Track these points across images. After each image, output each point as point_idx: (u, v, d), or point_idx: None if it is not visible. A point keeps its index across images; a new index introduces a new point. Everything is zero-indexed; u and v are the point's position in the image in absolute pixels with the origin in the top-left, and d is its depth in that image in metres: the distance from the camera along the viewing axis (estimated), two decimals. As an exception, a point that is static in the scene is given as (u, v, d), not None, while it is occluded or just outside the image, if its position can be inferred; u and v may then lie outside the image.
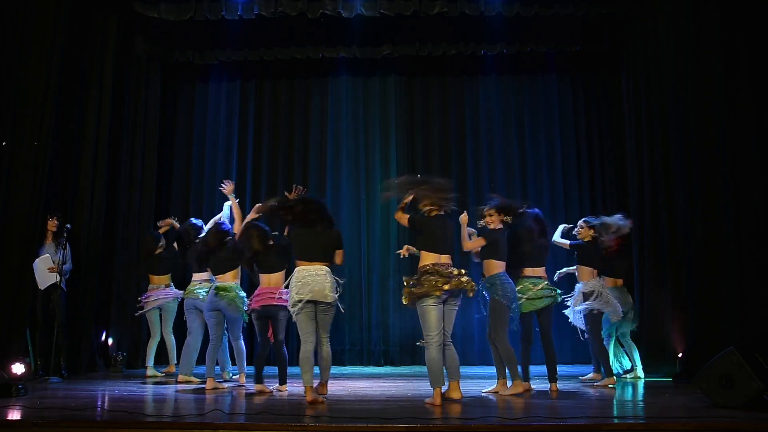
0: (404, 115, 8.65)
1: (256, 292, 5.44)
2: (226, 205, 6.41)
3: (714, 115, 5.91)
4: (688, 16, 6.23)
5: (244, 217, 5.86)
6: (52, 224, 6.60)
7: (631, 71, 7.58)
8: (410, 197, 4.86)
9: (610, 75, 8.45)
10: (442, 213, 4.83)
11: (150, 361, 6.79)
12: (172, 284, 6.97)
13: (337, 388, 5.66)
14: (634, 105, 7.45)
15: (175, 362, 6.81)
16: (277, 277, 5.43)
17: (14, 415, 4.03)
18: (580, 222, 6.12)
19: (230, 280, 5.71)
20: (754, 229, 5.61)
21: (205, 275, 6.14)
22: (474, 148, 8.59)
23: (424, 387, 5.22)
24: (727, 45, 5.88)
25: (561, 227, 6.28)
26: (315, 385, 4.73)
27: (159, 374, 6.67)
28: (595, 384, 5.64)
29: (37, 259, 6.36)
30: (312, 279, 4.75)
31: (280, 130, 8.75)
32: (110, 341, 7.44)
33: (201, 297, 5.97)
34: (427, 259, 4.72)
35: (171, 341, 6.91)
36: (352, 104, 8.73)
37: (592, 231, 5.93)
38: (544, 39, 8.09)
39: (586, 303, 5.68)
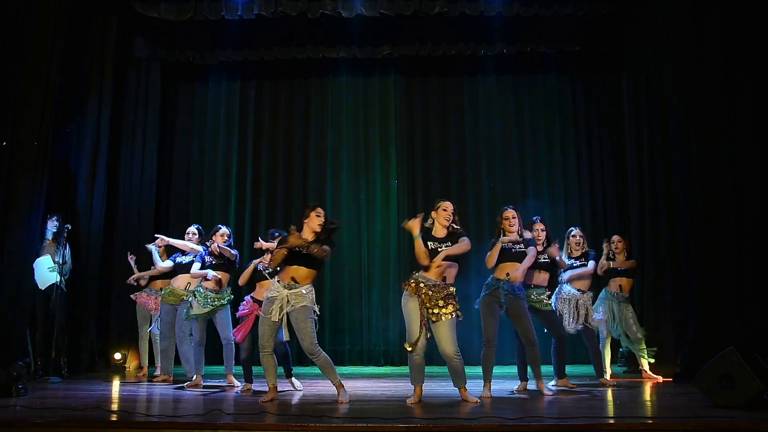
0: (404, 115, 8.66)
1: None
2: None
3: (714, 115, 5.90)
4: (688, 16, 6.22)
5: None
6: (52, 224, 6.59)
7: (631, 71, 7.58)
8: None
9: (610, 75, 8.45)
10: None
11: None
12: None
13: (337, 388, 5.66)
14: (634, 105, 7.45)
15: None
16: None
17: (14, 415, 4.03)
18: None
19: None
20: (754, 229, 5.60)
21: None
22: (473, 148, 8.59)
23: (424, 386, 5.20)
24: (727, 45, 5.87)
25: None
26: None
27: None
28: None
29: (37, 259, 6.36)
30: None
31: (280, 130, 8.76)
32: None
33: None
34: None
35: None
36: (352, 104, 8.73)
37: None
38: (544, 39, 8.09)
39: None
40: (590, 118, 8.61)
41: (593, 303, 6.02)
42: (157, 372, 6.56)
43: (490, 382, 5.08)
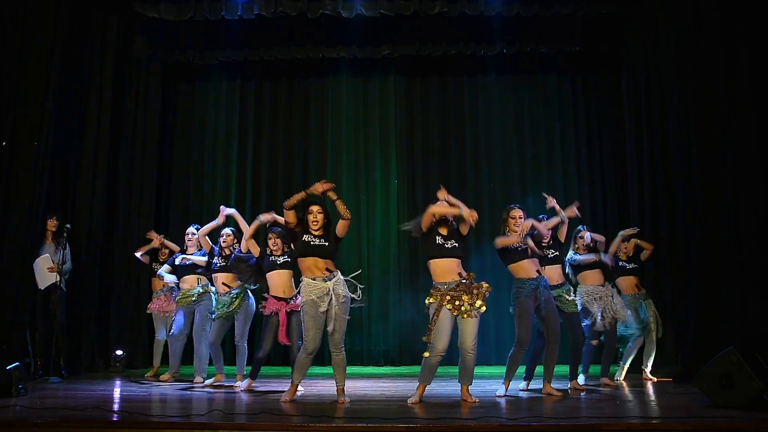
0: (404, 115, 8.66)
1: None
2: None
3: (714, 115, 5.90)
4: (688, 16, 6.22)
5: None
6: (52, 224, 6.59)
7: (631, 71, 7.58)
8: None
9: (610, 75, 8.45)
10: None
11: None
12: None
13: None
14: (634, 105, 7.45)
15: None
16: None
17: (14, 415, 4.03)
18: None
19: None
20: (754, 229, 5.61)
21: None
22: (473, 148, 8.59)
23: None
24: (727, 45, 5.87)
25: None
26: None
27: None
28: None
29: (37, 259, 6.36)
30: None
31: (280, 130, 8.76)
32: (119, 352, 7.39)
33: None
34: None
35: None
36: (352, 104, 8.73)
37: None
38: (544, 39, 8.09)
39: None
40: (590, 118, 8.61)
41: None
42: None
43: (510, 381, 5.09)
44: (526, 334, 5.04)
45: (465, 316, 4.60)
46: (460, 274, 4.67)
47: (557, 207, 5.55)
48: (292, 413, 4.11)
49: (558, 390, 5.10)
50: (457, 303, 4.60)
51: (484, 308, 4.64)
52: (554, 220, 5.51)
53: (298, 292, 5.28)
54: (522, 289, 5.06)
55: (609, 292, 5.87)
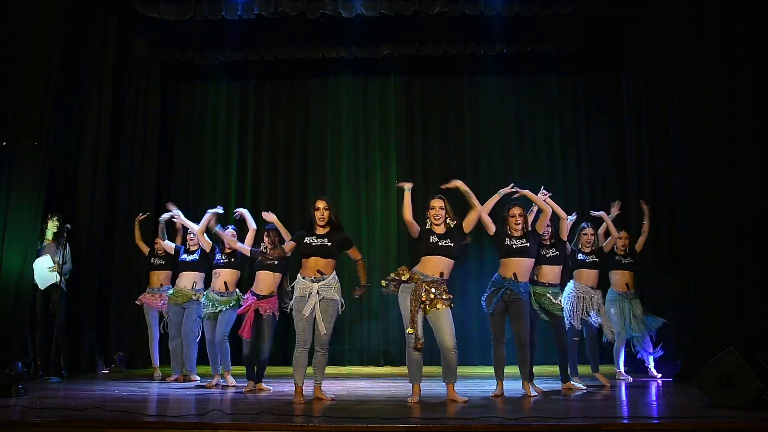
0: (404, 115, 8.67)
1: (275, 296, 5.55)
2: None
3: (714, 115, 5.90)
4: (688, 16, 6.22)
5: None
6: (52, 224, 6.60)
7: (631, 71, 7.58)
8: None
9: (610, 75, 8.45)
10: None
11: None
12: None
13: (337, 388, 5.67)
14: (634, 105, 7.46)
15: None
16: None
17: (14, 415, 4.03)
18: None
19: None
20: (754, 229, 5.60)
21: None
22: (473, 149, 8.60)
23: (424, 387, 5.22)
24: (727, 45, 5.87)
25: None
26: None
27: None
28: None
29: (37, 259, 6.36)
30: None
31: (280, 129, 8.77)
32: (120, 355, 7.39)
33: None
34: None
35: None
36: (352, 104, 8.74)
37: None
38: (544, 39, 8.10)
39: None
40: (590, 118, 8.61)
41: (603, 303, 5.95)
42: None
43: (502, 380, 5.05)
44: (496, 329, 5.06)
45: (432, 308, 4.64)
46: (441, 273, 4.70)
47: (529, 194, 5.32)
48: (292, 413, 4.11)
49: (538, 389, 5.10)
50: (429, 294, 4.65)
51: (442, 306, 4.64)
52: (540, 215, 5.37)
53: (274, 292, 5.43)
54: (494, 286, 5.08)
55: (595, 295, 5.85)
